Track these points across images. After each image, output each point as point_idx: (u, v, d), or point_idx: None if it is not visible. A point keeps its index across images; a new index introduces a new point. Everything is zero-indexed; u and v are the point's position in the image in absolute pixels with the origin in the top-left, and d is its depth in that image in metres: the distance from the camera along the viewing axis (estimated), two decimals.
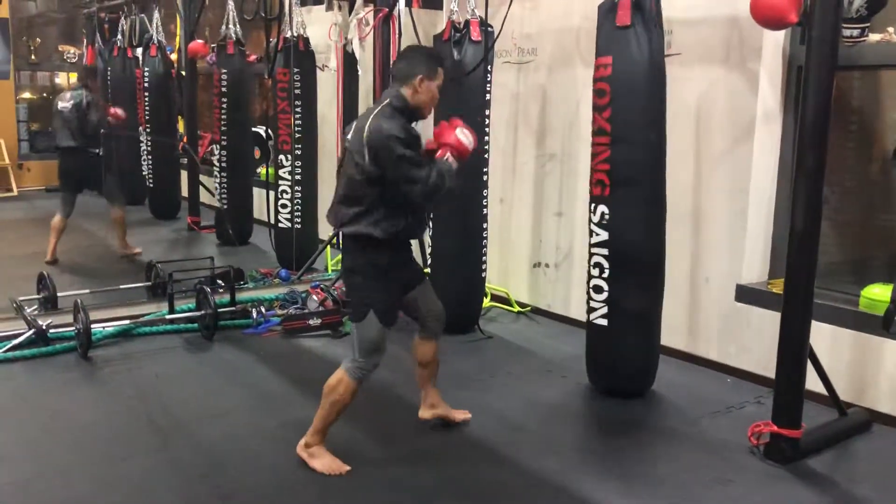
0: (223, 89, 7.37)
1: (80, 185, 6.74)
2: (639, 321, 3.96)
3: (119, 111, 7.11)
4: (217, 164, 7.63)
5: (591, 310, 3.98)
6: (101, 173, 6.63)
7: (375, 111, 3.08)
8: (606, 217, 3.83)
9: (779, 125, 4.27)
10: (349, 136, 3.12)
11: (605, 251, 3.86)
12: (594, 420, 3.84)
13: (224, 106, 7.40)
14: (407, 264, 3.32)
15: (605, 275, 3.86)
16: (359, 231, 3.06)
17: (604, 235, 3.85)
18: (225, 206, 7.56)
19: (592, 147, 3.87)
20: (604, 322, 3.92)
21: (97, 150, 6.59)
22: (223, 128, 7.48)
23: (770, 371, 3.52)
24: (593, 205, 3.88)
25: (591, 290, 3.95)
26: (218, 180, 7.62)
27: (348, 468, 3.16)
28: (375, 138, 2.97)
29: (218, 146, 7.63)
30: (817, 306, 3.39)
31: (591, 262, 3.92)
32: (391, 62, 5.50)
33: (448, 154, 3.09)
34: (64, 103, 6.57)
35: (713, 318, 4.45)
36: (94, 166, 6.57)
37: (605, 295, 3.89)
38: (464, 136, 3.12)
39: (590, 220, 3.91)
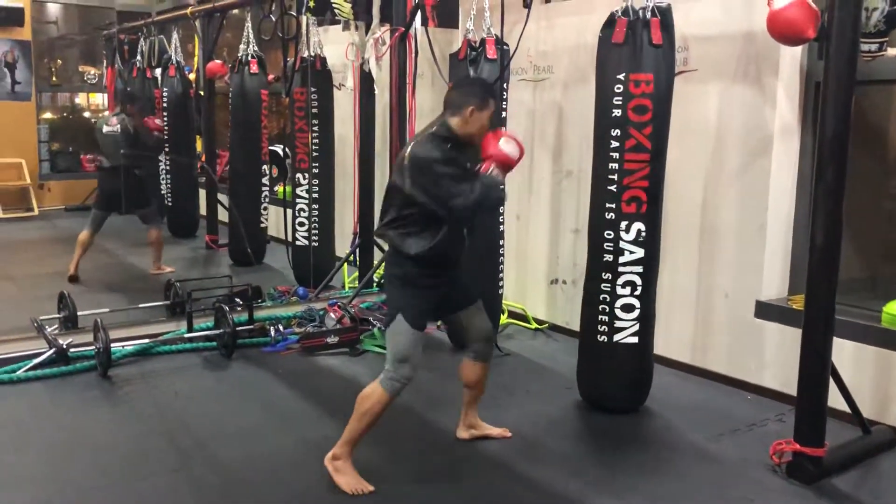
0: (229, 107, 7.43)
1: (113, 206, 6.81)
2: (652, 334, 4.05)
3: (156, 121, 7.17)
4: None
5: (616, 330, 3.92)
6: (136, 196, 6.69)
7: (416, 139, 3.20)
8: (643, 234, 3.83)
9: (797, 140, 4.25)
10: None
11: (639, 269, 3.86)
12: (613, 438, 3.81)
13: (230, 123, 7.46)
14: (452, 283, 3.33)
15: (638, 292, 3.87)
16: (392, 242, 3.19)
17: (639, 253, 3.85)
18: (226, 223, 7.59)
19: (623, 164, 3.81)
20: (634, 340, 3.92)
21: (137, 170, 6.72)
22: (228, 144, 7.54)
23: (791, 388, 3.49)
24: (625, 223, 3.83)
25: (617, 310, 3.90)
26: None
27: (372, 488, 3.16)
28: (414, 162, 3.07)
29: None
30: (839, 322, 3.37)
31: (620, 282, 3.87)
32: (407, 81, 5.57)
33: (492, 166, 3.15)
34: (109, 127, 6.69)
35: (732, 334, 4.42)
36: (131, 188, 6.63)
37: (636, 313, 3.89)
38: (507, 146, 3.18)
39: (617, 239, 3.85)
